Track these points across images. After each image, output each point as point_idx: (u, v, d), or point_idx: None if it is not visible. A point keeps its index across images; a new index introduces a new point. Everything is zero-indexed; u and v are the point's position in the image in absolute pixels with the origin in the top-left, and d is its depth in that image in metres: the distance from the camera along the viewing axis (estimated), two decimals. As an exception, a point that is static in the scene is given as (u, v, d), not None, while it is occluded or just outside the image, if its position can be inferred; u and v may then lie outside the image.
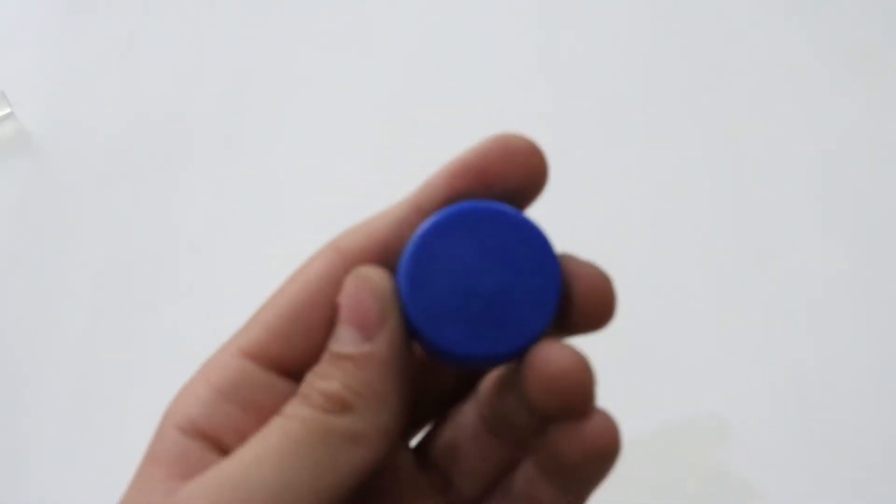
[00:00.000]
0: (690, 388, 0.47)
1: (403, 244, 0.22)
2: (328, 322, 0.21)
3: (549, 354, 0.20)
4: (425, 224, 0.21)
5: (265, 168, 0.59)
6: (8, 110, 0.62)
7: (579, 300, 0.21)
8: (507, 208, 0.21)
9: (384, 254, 0.22)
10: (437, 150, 0.65)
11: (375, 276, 0.21)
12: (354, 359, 0.20)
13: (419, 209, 0.22)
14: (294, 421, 0.20)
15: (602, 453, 0.20)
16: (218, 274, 0.54)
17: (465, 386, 0.25)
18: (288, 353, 0.22)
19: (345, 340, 0.21)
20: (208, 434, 0.21)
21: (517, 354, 0.21)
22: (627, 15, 0.64)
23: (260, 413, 0.21)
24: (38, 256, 0.56)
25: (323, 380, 0.20)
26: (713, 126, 0.58)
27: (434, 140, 0.59)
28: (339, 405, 0.20)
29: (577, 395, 0.20)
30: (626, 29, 0.63)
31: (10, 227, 0.58)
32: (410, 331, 0.21)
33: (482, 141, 0.22)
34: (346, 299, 0.21)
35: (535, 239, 0.21)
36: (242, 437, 0.20)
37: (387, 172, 0.58)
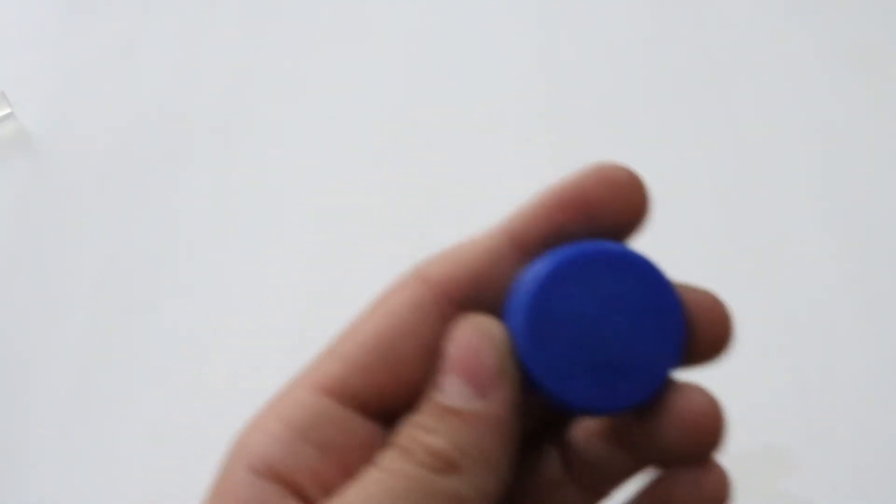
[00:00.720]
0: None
1: (497, 277, 0.20)
2: (414, 358, 0.20)
3: (691, 398, 0.19)
4: (542, 268, 0.20)
5: (265, 168, 0.59)
6: (8, 110, 0.62)
7: (699, 337, 0.20)
8: (628, 250, 0.20)
9: (474, 286, 0.20)
10: (437, 150, 0.65)
11: (493, 328, 0.19)
12: (464, 416, 0.19)
13: (514, 240, 0.20)
14: (396, 477, 0.18)
15: None
16: (218, 273, 0.54)
17: (541, 428, 0.23)
18: (369, 390, 0.20)
19: (454, 394, 0.19)
20: (285, 477, 0.19)
21: (642, 404, 0.20)
22: (627, 15, 0.64)
23: (339, 455, 0.19)
24: (38, 256, 0.56)
25: (428, 434, 0.19)
26: (713, 126, 0.58)
27: (434, 140, 0.59)
28: (445, 464, 0.18)
29: (713, 439, 0.20)
30: (625, 29, 0.63)
31: (10, 227, 0.58)
32: (528, 382, 0.20)
33: (581, 171, 0.20)
34: (458, 349, 0.19)
35: (657, 282, 0.20)
36: (321, 481, 0.19)
37: (387, 172, 0.58)
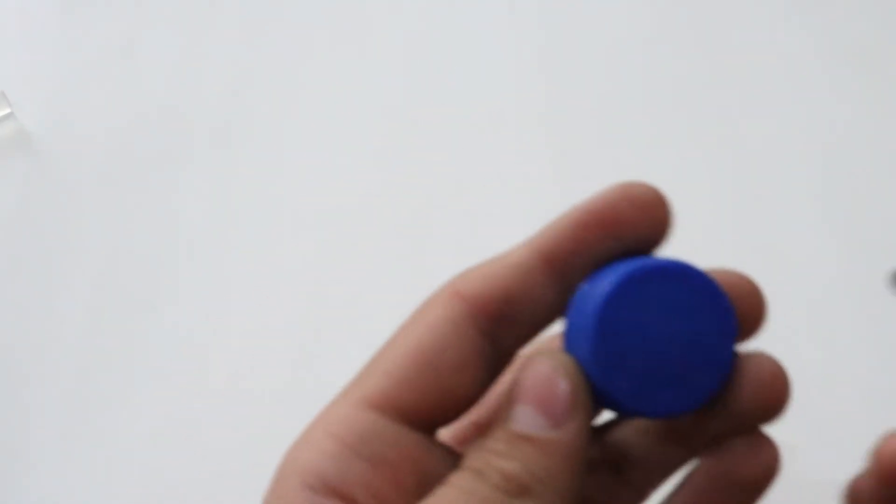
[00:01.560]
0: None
1: (528, 293, 0.21)
2: (454, 370, 0.21)
3: (761, 361, 0.21)
4: (603, 286, 0.21)
5: (265, 168, 0.59)
6: (8, 110, 0.62)
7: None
8: (679, 263, 0.21)
9: (507, 301, 0.21)
10: (436, 150, 0.65)
11: (567, 361, 0.21)
12: (537, 443, 0.20)
13: (544, 257, 0.22)
14: (470, 496, 0.19)
15: (774, 472, 0.21)
16: (218, 274, 0.54)
17: None
18: (413, 403, 0.21)
19: (527, 422, 0.20)
20: (341, 492, 0.20)
21: (709, 401, 0.21)
22: (627, 15, 0.64)
23: (391, 469, 0.20)
24: (38, 256, 0.56)
25: (502, 459, 0.20)
26: (713, 126, 0.58)
27: (434, 140, 0.59)
28: (517, 488, 0.19)
29: (783, 398, 0.21)
30: (625, 29, 0.63)
31: (10, 227, 0.58)
32: (596, 397, 0.21)
33: (607, 189, 0.22)
34: (533, 381, 0.20)
35: (708, 289, 0.21)
36: (376, 495, 0.20)
37: (387, 172, 0.58)
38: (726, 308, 0.21)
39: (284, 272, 0.54)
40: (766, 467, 0.21)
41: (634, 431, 0.24)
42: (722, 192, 0.55)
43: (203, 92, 0.63)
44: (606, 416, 0.24)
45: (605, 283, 0.21)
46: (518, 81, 0.61)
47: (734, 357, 0.21)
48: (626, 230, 0.21)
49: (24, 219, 0.58)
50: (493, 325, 0.21)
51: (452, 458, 0.21)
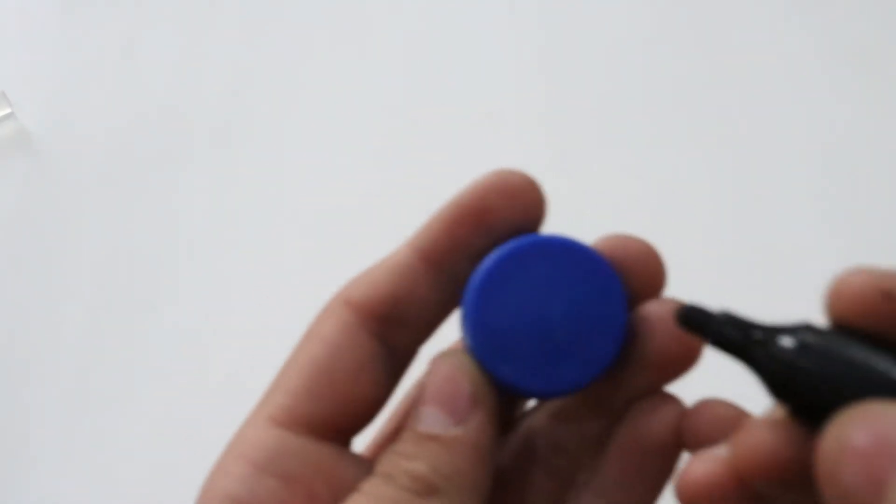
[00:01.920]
0: (691, 387, 0.47)
1: (412, 292, 0.22)
2: (352, 377, 0.21)
3: (659, 309, 0.21)
4: (477, 272, 0.21)
5: (265, 167, 0.59)
6: (8, 110, 0.62)
7: (635, 284, 0.21)
8: (552, 237, 0.21)
9: (393, 303, 0.22)
10: (436, 150, 0.65)
11: (465, 360, 0.21)
12: (443, 441, 0.20)
13: (421, 255, 0.22)
14: (380, 501, 0.19)
15: (678, 431, 0.21)
16: (218, 274, 0.54)
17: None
18: (317, 414, 0.21)
19: (431, 422, 0.20)
20: None
21: (589, 384, 0.21)
22: (627, 15, 0.64)
23: (303, 484, 0.20)
24: (38, 256, 0.56)
25: (408, 460, 0.20)
26: (713, 126, 0.58)
27: (434, 140, 0.59)
28: (425, 487, 0.19)
29: (689, 339, 0.21)
30: (625, 29, 0.63)
31: (10, 227, 0.58)
32: (497, 383, 0.21)
33: (478, 180, 0.22)
34: (434, 381, 0.21)
35: (590, 260, 0.21)
36: None
37: (387, 171, 0.58)
38: (609, 274, 0.21)
39: (284, 272, 0.54)
40: (669, 427, 0.21)
41: (552, 415, 0.23)
42: (722, 192, 0.55)
43: (203, 92, 0.63)
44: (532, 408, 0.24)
45: (478, 269, 0.21)
46: (518, 81, 0.61)
47: (627, 320, 0.21)
48: (498, 219, 0.21)
49: (24, 219, 0.58)
50: (384, 327, 0.22)
51: (368, 466, 0.21)
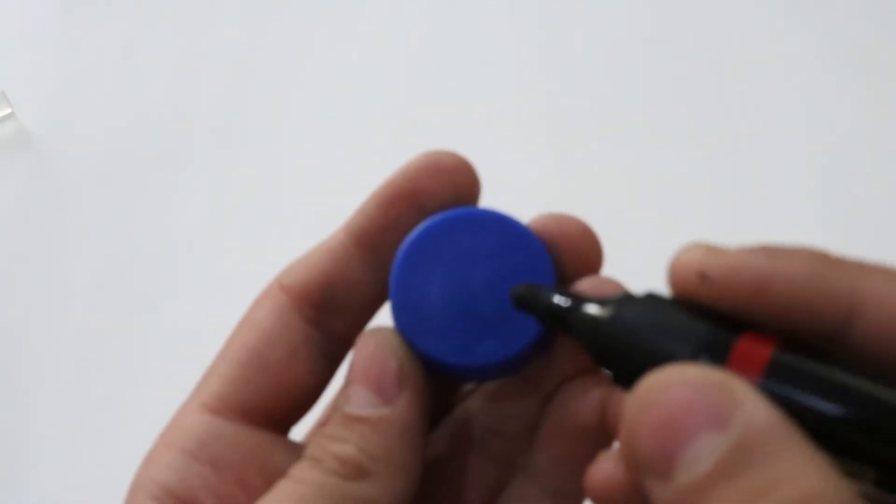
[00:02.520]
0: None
1: (347, 275, 0.21)
2: (285, 362, 0.21)
3: (593, 283, 0.20)
4: (398, 251, 0.21)
5: (265, 167, 0.59)
6: (8, 110, 0.62)
7: (569, 264, 0.21)
8: (474, 210, 0.21)
9: (328, 286, 0.21)
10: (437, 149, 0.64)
11: (391, 337, 0.20)
12: (371, 422, 0.19)
13: (357, 238, 0.22)
14: (307, 486, 0.19)
15: (603, 413, 0.20)
16: (218, 273, 0.54)
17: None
18: (250, 400, 0.21)
19: (359, 402, 0.20)
20: (186, 499, 0.20)
21: (516, 362, 0.20)
22: (627, 15, 0.64)
23: (235, 470, 0.20)
24: (38, 256, 0.56)
25: (336, 443, 0.19)
26: (713, 126, 0.58)
27: (434, 140, 0.59)
28: (354, 470, 0.19)
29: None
30: (625, 29, 0.63)
31: (10, 227, 0.58)
32: (425, 362, 0.20)
33: (410, 161, 0.22)
34: (360, 360, 0.20)
35: (514, 232, 0.21)
36: (221, 498, 0.20)
37: (387, 172, 0.58)
38: (539, 248, 0.20)
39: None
40: (595, 410, 0.20)
41: (488, 398, 0.23)
42: (722, 192, 0.55)
43: (203, 92, 0.63)
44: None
45: (404, 242, 0.21)
46: (518, 81, 0.61)
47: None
48: (429, 199, 0.21)
49: (24, 219, 0.58)
50: (319, 312, 0.21)
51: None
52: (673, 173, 0.56)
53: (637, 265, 0.48)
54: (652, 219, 0.52)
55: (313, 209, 0.57)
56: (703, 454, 0.14)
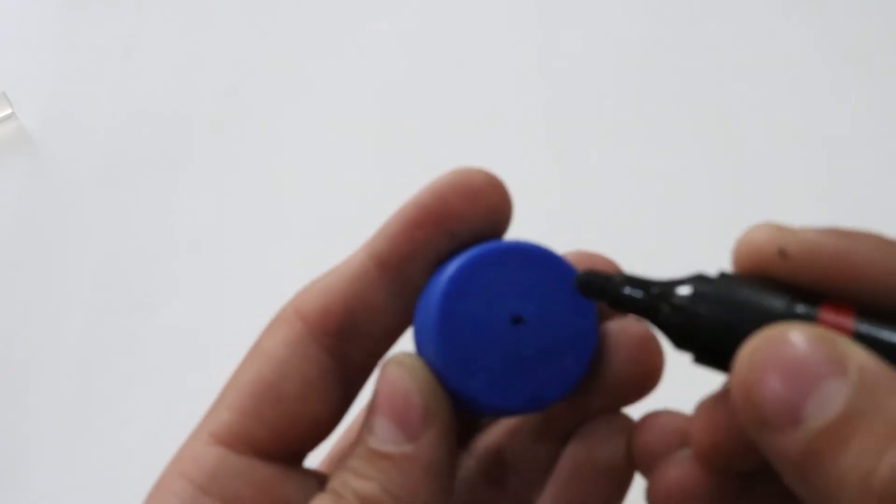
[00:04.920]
0: (693, 387, 0.47)
1: (368, 301, 0.20)
2: (300, 395, 0.20)
3: (628, 329, 0.20)
4: (441, 280, 0.19)
5: (265, 168, 0.59)
6: (8, 111, 0.62)
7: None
8: (529, 246, 0.20)
9: (348, 314, 0.20)
10: (437, 150, 0.65)
11: (416, 367, 0.19)
12: (394, 459, 0.18)
13: (379, 262, 0.20)
14: None
15: (628, 454, 0.20)
16: (218, 274, 0.54)
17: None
18: (262, 434, 0.20)
19: (384, 437, 0.19)
20: None
21: (570, 391, 0.20)
22: (626, 15, 0.64)
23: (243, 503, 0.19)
24: (38, 256, 0.56)
25: (359, 479, 0.18)
26: (713, 125, 0.58)
27: (434, 140, 0.59)
28: None
29: (654, 363, 0.20)
30: (625, 29, 0.63)
31: (10, 227, 0.58)
32: (454, 398, 0.19)
33: (437, 179, 0.20)
34: (385, 391, 0.19)
35: (562, 272, 0.20)
36: None
37: (387, 171, 0.58)
38: (585, 306, 0.20)
39: (285, 272, 0.54)
40: (620, 448, 0.20)
41: (506, 434, 0.22)
42: (722, 192, 0.55)
43: (203, 92, 0.63)
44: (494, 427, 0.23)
45: (444, 275, 0.19)
46: (518, 81, 0.61)
47: (597, 335, 0.20)
48: (460, 222, 0.20)
49: (24, 218, 0.58)
50: (338, 341, 0.20)
51: (318, 484, 0.20)
52: (673, 173, 0.56)
53: (637, 265, 0.47)
54: (652, 218, 0.52)
55: (314, 209, 0.57)
56: (831, 399, 0.15)
